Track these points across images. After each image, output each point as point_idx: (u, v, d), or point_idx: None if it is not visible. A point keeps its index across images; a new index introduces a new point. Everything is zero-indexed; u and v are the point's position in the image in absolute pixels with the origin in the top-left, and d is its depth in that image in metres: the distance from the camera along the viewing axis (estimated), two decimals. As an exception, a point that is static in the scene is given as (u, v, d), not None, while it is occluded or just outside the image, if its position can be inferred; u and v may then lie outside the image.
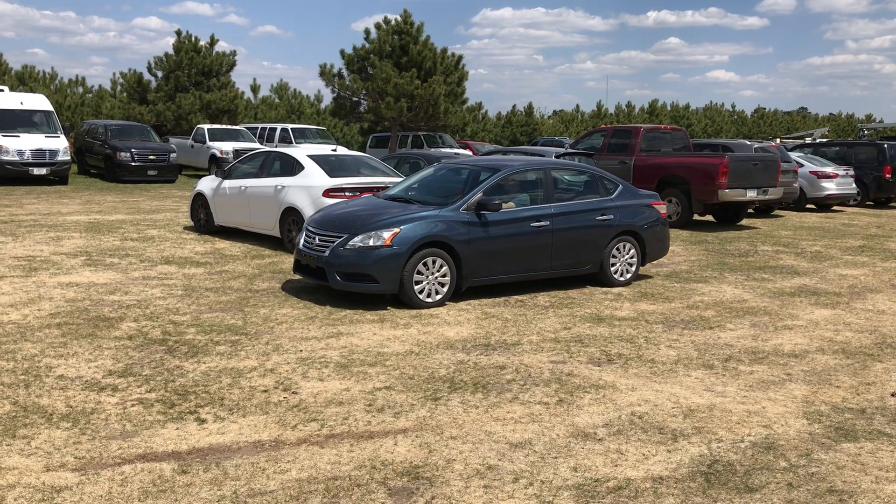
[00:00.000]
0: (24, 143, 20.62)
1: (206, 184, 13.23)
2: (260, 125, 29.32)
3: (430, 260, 8.25)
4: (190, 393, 5.48)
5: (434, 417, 5.16)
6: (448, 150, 26.26)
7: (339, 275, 8.20)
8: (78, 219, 14.53)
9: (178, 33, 31.26)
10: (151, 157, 23.15)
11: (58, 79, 33.61)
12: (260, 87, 39.35)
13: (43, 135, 21.31)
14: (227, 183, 12.71)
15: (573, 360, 6.56)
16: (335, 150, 13.07)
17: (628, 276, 9.78)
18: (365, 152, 24.33)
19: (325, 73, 30.14)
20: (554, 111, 52.53)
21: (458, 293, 8.57)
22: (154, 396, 5.39)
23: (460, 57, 31.15)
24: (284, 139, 26.67)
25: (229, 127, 27.56)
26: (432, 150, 26.30)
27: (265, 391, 5.56)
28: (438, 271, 8.32)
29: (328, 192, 10.99)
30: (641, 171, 16.95)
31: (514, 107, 46.79)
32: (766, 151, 19.04)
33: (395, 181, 11.50)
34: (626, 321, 7.99)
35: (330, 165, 11.81)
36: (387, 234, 8.12)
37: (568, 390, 5.78)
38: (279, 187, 11.64)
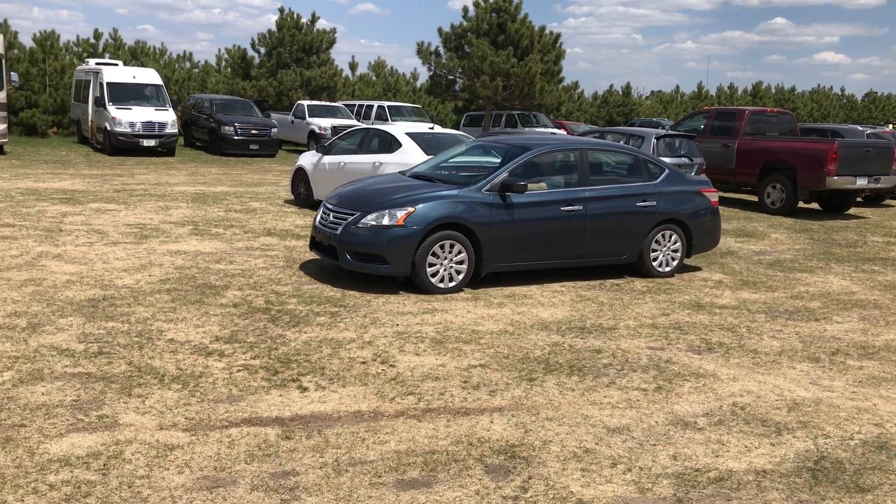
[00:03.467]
0: (136, 116, 21.53)
1: (307, 159, 13.52)
2: (357, 102, 29.72)
3: (446, 243, 7.80)
4: (292, 361, 5.65)
5: (529, 398, 5.17)
6: (542, 129, 26.04)
7: (350, 254, 7.87)
8: (185, 189, 15.11)
9: (281, 10, 31.92)
10: (254, 131, 23.79)
11: (167, 54, 34.83)
12: (358, 64, 39.85)
13: (153, 108, 22.20)
14: (327, 159, 12.95)
15: (672, 347, 6.43)
16: (432, 129, 13.13)
17: (670, 267, 9.13)
18: (458, 131, 24.39)
19: (422, 51, 30.25)
20: (652, 92, 51.20)
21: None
22: (258, 363, 5.58)
23: (558, 35, 30.74)
24: (381, 116, 26.96)
25: (328, 103, 28.04)
26: (526, 129, 26.14)
27: (364, 363, 5.68)
28: (454, 255, 7.88)
29: (425, 170, 11.05)
30: (745, 154, 16.39)
31: (610, 86, 45.90)
32: (880, 138, 18.10)
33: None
34: (727, 309, 7.78)
35: (427, 143, 11.88)
36: (400, 214, 7.71)
37: (667, 377, 5.68)
38: (377, 164, 11.79)
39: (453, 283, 7.90)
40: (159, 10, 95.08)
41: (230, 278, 8.07)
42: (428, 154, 11.44)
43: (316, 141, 24.39)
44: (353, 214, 7.96)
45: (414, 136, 12.00)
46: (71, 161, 19.57)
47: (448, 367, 5.69)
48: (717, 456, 4.40)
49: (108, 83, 22.00)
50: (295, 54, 31.70)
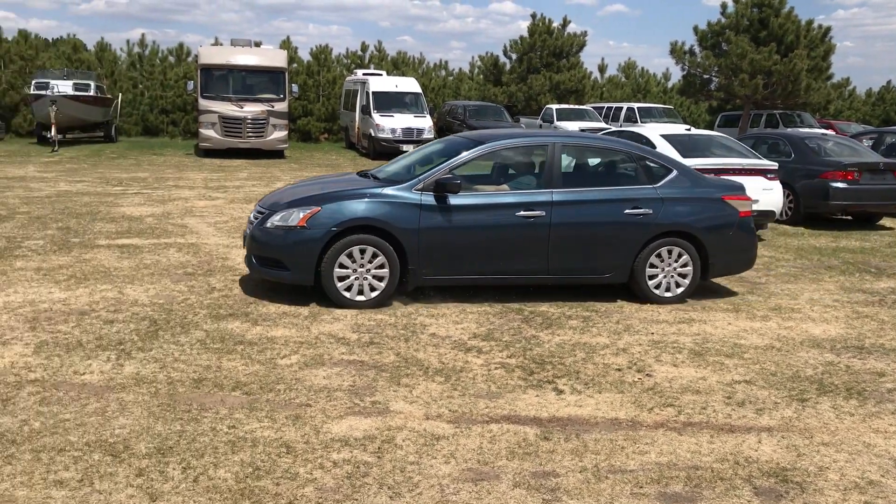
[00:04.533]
0: (397, 122, 22.95)
1: (557, 162, 13.59)
2: (605, 105, 29.44)
3: (360, 248, 6.85)
4: (546, 363, 5.71)
5: (801, 419, 4.81)
6: (807, 129, 24.13)
7: (255, 257, 7.12)
8: (440, 192, 15.82)
9: (533, 16, 32.47)
10: (503, 135, 24.38)
11: (425, 63, 36.76)
12: (607, 66, 39.46)
13: (412, 115, 23.53)
14: (578, 162, 12.94)
15: (972, 376, 5.68)
16: (689, 130, 12.66)
17: (679, 290, 7.50)
18: (715, 132, 23.27)
19: (676, 51, 29.26)
20: (940, 87, 45.46)
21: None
22: (514, 362, 5.71)
23: (828, 29, 28.35)
24: (630, 118, 26.49)
25: (576, 107, 28.06)
26: (788, 129, 24.36)
27: (619, 370, 5.61)
28: (372, 263, 6.90)
29: (681, 174, 10.67)
30: None
31: (888, 82, 41.44)
32: None
33: (753, 162, 10.94)
34: None
35: (683, 145, 11.45)
36: (303, 213, 6.84)
37: (967, 409, 5.03)
38: (630, 167, 11.58)
39: (364, 297, 6.92)
40: (417, 22, 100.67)
41: (485, 278, 8.31)
42: (684, 157, 11.04)
43: (564, 144, 24.51)
44: (265, 213, 7.20)
45: (669, 138, 11.63)
46: (340, 164, 21.29)
47: (709, 380, 5.46)
48: None
49: (373, 92, 23.64)
50: (545, 59, 32.06)
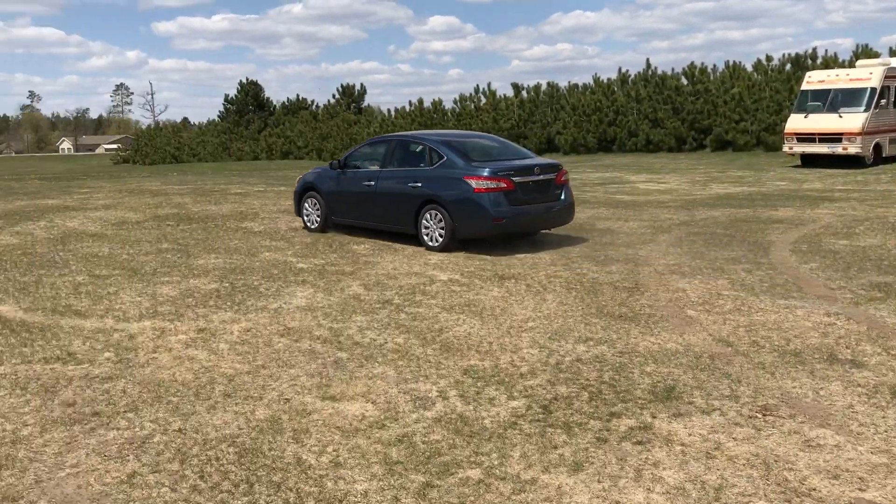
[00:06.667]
0: None
1: None
2: None
3: (311, 200, 12.24)
4: None
5: None
6: None
7: None
8: None
9: None
10: None
11: None
12: None
13: None
14: None
15: None
16: None
17: (437, 243, 10.39)
18: None
19: None
20: None
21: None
22: None
23: None
24: None
25: None
26: None
27: None
28: (314, 209, 12.18)
29: None
30: None
31: None
32: None
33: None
34: None
35: None
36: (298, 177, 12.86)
37: None
38: None
39: (317, 225, 12.29)
40: None
41: None
42: None
43: None
44: None
45: None
46: None
47: None
48: None
49: None
50: None
